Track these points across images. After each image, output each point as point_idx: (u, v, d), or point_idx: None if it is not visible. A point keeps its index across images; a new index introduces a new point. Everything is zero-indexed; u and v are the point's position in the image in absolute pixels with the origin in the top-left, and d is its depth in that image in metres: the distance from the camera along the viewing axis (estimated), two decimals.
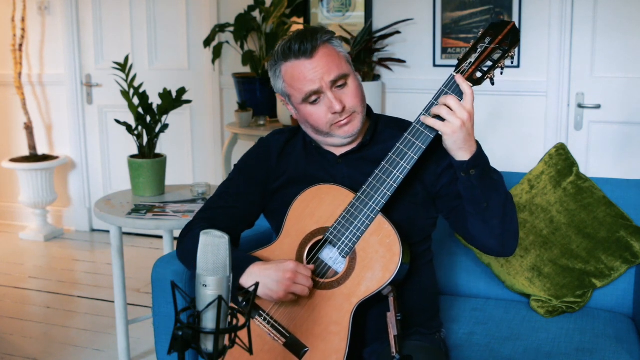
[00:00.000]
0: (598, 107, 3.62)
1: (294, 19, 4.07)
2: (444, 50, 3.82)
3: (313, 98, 1.73)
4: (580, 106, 3.64)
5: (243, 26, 3.99)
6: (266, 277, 1.64)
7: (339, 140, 1.79)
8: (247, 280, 1.66)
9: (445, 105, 1.59)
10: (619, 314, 2.28)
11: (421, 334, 1.85)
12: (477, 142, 1.64)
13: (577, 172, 2.37)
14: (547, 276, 2.29)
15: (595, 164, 3.65)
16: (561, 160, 2.38)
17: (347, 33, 3.89)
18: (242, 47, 4.05)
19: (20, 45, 4.62)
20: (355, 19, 3.99)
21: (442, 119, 1.59)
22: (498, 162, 3.78)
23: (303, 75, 1.72)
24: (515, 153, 3.78)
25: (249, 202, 1.88)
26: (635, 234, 2.27)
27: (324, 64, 1.71)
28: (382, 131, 1.84)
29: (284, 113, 3.89)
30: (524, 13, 3.64)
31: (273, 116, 4.09)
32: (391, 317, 1.61)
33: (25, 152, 4.81)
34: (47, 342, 3.28)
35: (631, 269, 2.30)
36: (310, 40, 1.71)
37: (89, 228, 4.98)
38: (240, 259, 1.70)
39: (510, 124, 3.78)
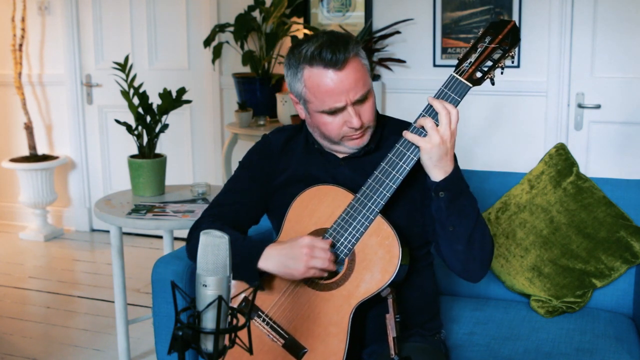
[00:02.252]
0: (598, 107, 3.62)
1: (294, 19, 4.07)
2: (444, 50, 3.82)
3: (333, 111, 1.70)
4: (580, 106, 3.64)
5: (243, 26, 3.99)
6: (283, 255, 1.65)
7: (345, 150, 1.78)
8: (265, 263, 1.66)
9: (431, 118, 1.59)
10: (619, 314, 2.28)
11: (421, 335, 1.85)
12: (456, 164, 1.64)
13: (577, 172, 2.37)
14: (547, 276, 2.29)
15: (595, 164, 3.65)
16: (561, 160, 2.38)
17: None
18: (242, 47, 4.05)
19: (20, 45, 4.62)
20: (355, 19, 3.99)
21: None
22: (498, 162, 3.78)
23: (329, 88, 1.66)
24: (515, 153, 3.78)
25: (253, 199, 1.88)
26: (635, 234, 2.27)
27: (352, 81, 1.66)
28: (387, 137, 1.82)
29: (284, 113, 3.89)
30: (524, 13, 3.64)
31: (273, 116, 4.09)
32: (390, 319, 1.61)
33: (25, 152, 4.81)
34: (47, 342, 3.28)
35: (631, 269, 2.30)
36: (343, 51, 1.64)
37: (89, 228, 4.98)
38: (256, 244, 1.70)
39: (510, 124, 3.78)
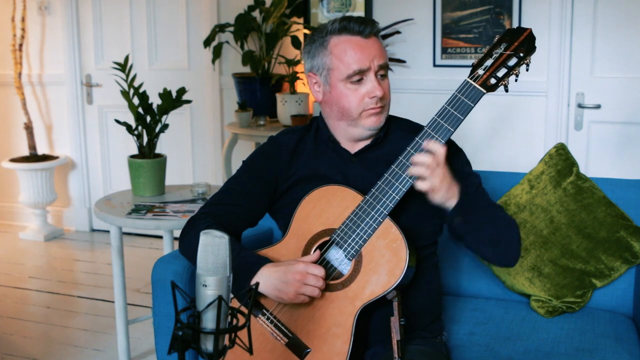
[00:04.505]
0: (598, 107, 3.62)
1: (294, 19, 4.07)
2: (444, 50, 3.82)
3: (357, 77, 1.73)
4: (580, 106, 3.64)
5: (243, 26, 3.99)
6: (276, 278, 1.64)
7: (361, 132, 1.78)
8: (258, 281, 1.67)
9: (420, 164, 1.61)
10: (619, 314, 2.28)
11: (423, 338, 1.85)
12: (457, 184, 1.66)
13: (577, 172, 2.37)
14: (547, 276, 2.29)
15: (595, 164, 3.65)
16: (561, 160, 2.38)
17: None
18: (242, 47, 4.05)
19: (20, 45, 4.62)
20: None
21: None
22: (498, 162, 3.78)
23: (356, 51, 1.72)
24: (515, 153, 3.78)
25: (255, 202, 1.87)
26: (635, 234, 2.27)
27: (377, 48, 1.74)
28: (394, 130, 1.84)
29: (284, 113, 3.89)
30: (524, 13, 3.64)
31: (273, 116, 4.09)
32: (394, 322, 1.60)
33: (25, 152, 4.81)
34: (47, 342, 3.28)
35: (631, 269, 2.30)
36: (370, 25, 1.74)
37: (89, 228, 4.98)
38: (252, 260, 1.70)
39: (510, 124, 3.78)
